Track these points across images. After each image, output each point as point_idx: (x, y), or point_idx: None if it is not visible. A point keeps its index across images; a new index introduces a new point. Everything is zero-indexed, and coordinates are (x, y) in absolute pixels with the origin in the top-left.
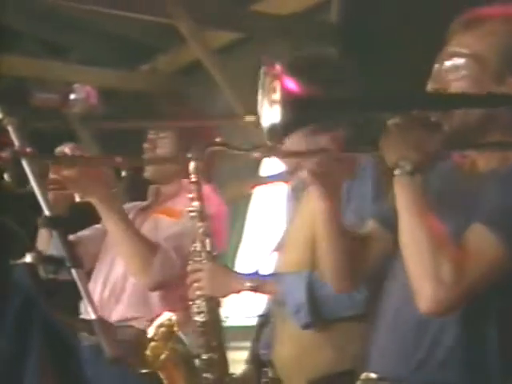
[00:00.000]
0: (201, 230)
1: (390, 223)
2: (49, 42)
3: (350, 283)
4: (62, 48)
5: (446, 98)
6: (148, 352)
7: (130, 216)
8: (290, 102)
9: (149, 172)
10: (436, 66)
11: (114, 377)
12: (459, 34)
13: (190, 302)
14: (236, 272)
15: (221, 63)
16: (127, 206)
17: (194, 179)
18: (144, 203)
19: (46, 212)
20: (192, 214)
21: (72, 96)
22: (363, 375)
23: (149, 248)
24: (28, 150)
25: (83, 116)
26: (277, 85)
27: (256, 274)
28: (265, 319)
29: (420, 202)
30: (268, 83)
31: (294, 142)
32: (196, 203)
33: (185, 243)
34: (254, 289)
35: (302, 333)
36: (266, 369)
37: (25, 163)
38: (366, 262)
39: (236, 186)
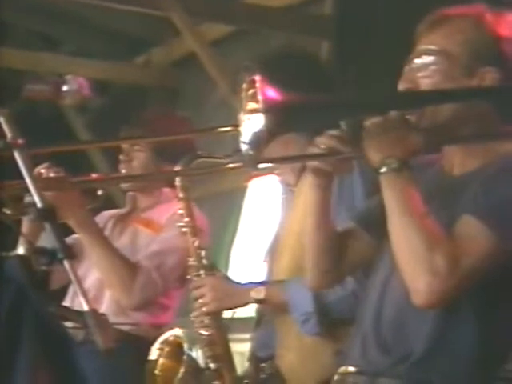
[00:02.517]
0: (195, 244)
1: (366, 224)
2: (41, 34)
3: (328, 280)
4: (55, 40)
5: (423, 95)
6: (158, 372)
7: (109, 225)
8: (272, 110)
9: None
10: (406, 67)
11: (104, 373)
12: (427, 32)
13: (194, 316)
14: (238, 283)
15: (215, 56)
16: (106, 213)
17: (181, 195)
18: (122, 211)
19: (38, 204)
20: (184, 229)
21: (64, 87)
22: (341, 369)
23: (129, 270)
24: (20, 141)
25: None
26: (257, 94)
27: (258, 283)
28: (258, 320)
29: (409, 197)
30: (248, 92)
31: (274, 148)
32: (187, 219)
33: (166, 261)
34: (260, 301)
35: (308, 337)
36: (264, 364)
37: (17, 155)
38: (345, 259)
39: (231, 179)
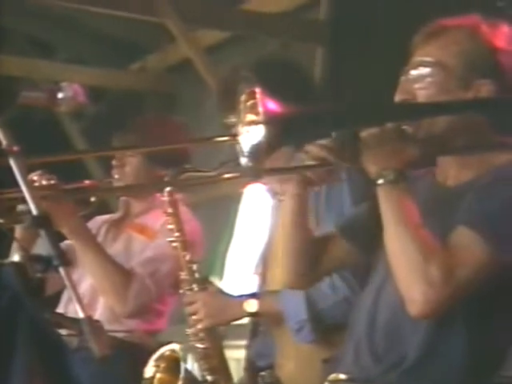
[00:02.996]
0: (186, 259)
1: (349, 231)
2: (37, 40)
3: (304, 283)
4: (51, 47)
5: (419, 107)
6: None
7: (103, 231)
8: (273, 122)
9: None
10: (402, 78)
11: (99, 380)
12: (423, 44)
13: (189, 331)
14: (231, 296)
15: (210, 62)
16: (99, 218)
17: (170, 210)
18: (115, 216)
19: (33, 211)
20: (174, 244)
21: (60, 95)
22: (332, 376)
23: (123, 277)
24: (15, 148)
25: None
26: (256, 105)
27: (251, 294)
28: (254, 328)
29: (405, 208)
30: (247, 105)
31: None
32: (177, 233)
33: (160, 267)
34: (254, 314)
35: (305, 345)
36: (263, 373)
37: (12, 162)
38: (322, 264)
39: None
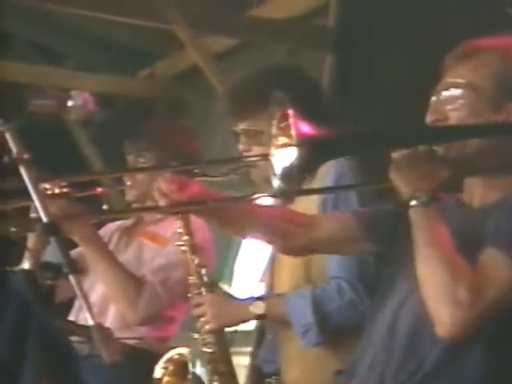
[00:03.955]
0: (195, 262)
1: (367, 224)
2: (46, 47)
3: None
4: (60, 54)
5: (451, 130)
6: None
7: (115, 238)
8: (305, 145)
9: (131, 195)
10: (433, 98)
11: None
12: (455, 65)
13: (196, 335)
14: (238, 299)
15: (219, 69)
16: (112, 225)
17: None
18: (128, 223)
19: (44, 219)
20: (183, 248)
21: (70, 103)
22: None
23: (134, 285)
24: (26, 156)
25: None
26: (290, 128)
27: (258, 297)
28: (260, 337)
29: (436, 229)
30: (280, 127)
31: None
32: (186, 237)
33: (171, 275)
34: (260, 316)
35: (310, 350)
36: (268, 380)
37: (22, 170)
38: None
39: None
